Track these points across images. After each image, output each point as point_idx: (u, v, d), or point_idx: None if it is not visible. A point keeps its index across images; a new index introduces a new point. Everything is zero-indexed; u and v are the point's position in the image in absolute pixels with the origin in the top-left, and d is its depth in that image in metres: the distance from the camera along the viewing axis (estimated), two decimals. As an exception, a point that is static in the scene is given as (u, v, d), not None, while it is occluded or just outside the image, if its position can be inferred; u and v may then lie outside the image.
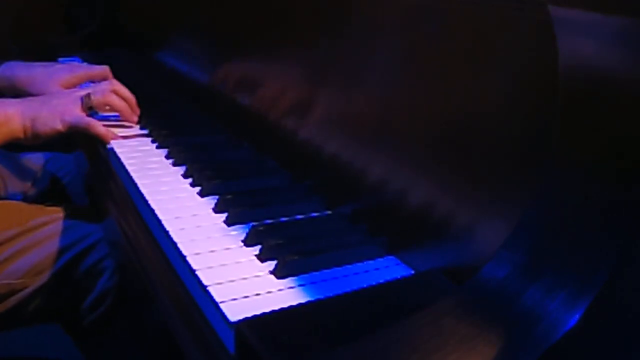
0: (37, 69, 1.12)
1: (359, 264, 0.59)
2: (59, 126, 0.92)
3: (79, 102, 0.95)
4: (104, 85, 0.99)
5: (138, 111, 1.01)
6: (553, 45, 0.48)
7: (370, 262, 0.60)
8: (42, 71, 1.12)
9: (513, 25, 0.53)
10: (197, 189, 0.75)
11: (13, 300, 0.89)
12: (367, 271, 0.58)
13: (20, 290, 0.89)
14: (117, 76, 1.25)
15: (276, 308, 0.49)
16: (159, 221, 0.66)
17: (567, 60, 0.48)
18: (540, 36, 0.50)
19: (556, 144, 0.48)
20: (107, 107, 0.98)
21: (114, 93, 0.98)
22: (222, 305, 0.51)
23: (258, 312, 0.47)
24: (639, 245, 0.42)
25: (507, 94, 0.54)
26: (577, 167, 0.46)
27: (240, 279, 0.55)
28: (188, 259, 0.58)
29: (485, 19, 0.56)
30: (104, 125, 0.95)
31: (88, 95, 0.95)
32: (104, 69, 1.17)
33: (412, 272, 0.59)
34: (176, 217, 0.67)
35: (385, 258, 0.61)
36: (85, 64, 1.26)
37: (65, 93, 1.00)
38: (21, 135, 0.93)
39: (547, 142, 0.48)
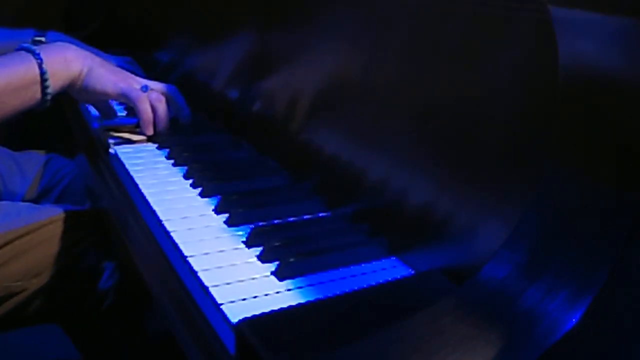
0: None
1: (360, 265, 0.59)
2: (110, 89, 0.91)
3: (139, 85, 0.93)
4: (165, 88, 0.97)
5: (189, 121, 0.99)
6: (553, 45, 0.48)
7: (371, 262, 0.60)
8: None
9: (513, 25, 0.53)
10: (198, 189, 0.75)
11: (12, 302, 0.88)
12: (367, 272, 0.58)
13: (19, 292, 0.88)
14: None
15: (276, 309, 0.49)
16: (160, 222, 0.66)
17: (567, 60, 0.48)
18: (540, 36, 0.50)
19: (556, 143, 0.48)
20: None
21: (168, 100, 0.96)
22: (223, 306, 0.51)
23: (258, 313, 0.48)
24: (639, 246, 0.42)
25: (507, 94, 0.54)
26: (576, 166, 0.47)
27: (241, 280, 0.55)
28: (189, 259, 0.58)
29: (486, 18, 0.56)
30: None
31: (147, 87, 0.94)
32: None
33: (413, 272, 0.59)
34: (177, 218, 0.67)
35: (386, 259, 0.61)
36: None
37: (127, 72, 0.99)
38: (75, 81, 0.90)
39: (547, 141, 0.48)
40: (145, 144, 0.93)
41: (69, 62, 0.89)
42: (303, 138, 0.80)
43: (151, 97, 0.93)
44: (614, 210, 0.43)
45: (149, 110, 0.92)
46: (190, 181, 0.78)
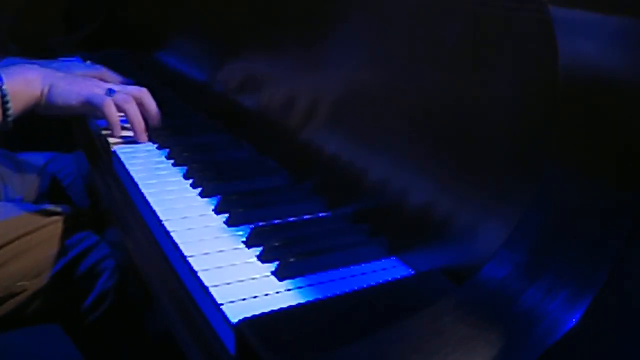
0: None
1: (360, 265, 0.59)
2: (73, 101, 0.90)
3: (102, 90, 0.92)
4: (132, 90, 0.95)
5: (159, 125, 0.96)
6: (553, 45, 0.48)
7: (371, 262, 0.60)
8: None
9: (513, 25, 0.53)
10: (198, 189, 0.75)
11: (12, 303, 0.88)
12: (367, 272, 0.58)
13: (19, 293, 0.88)
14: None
15: (276, 309, 0.49)
16: (160, 222, 0.66)
17: (567, 60, 0.48)
18: (540, 36, 0.50)
19: (556, 143, 0.48)
20: (121, 114, 0.94)
21: (139, 102, 0.94)
22: (223, 306, 0.51)
23: (258, 313, 0.47)
24: (639, 246, 0.42)
25: (507, 94, 0.54)
26: (577, 166, 0.47)
27: (241, 280, 0.55)
28: (189, 259, 0.58)
29: (486, 18, 0.56)
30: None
31: (113, 91, 0.93)
32: (100, 72, 1.16)
33: (413, 272, 0.59)
34: (177, 218, 0.67)
35: (386, 259, 0.61)
36: (86, 63, 1.22)
37: (92, 79, 0.98)
38: (39, 100, 0.90)
39: (547, 141, 0.48)
40: (145, 145, 0.93)
41: (29, 82, 0.89)
42: (303, 138, 0.80)
43: (117, 99, 0.91)
44: (614, 210, 0.43)
45: (115, 114, 0.91)
46: (190, 181, 0.78)
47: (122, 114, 0.93)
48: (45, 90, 0.90)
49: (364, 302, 0.50)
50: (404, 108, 0.65)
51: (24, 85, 0.89)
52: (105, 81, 1.10)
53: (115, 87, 0.94)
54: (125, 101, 0.92)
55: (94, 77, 1.13)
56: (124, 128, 0.94)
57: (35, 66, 0.93)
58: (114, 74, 1.17)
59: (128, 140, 0.93)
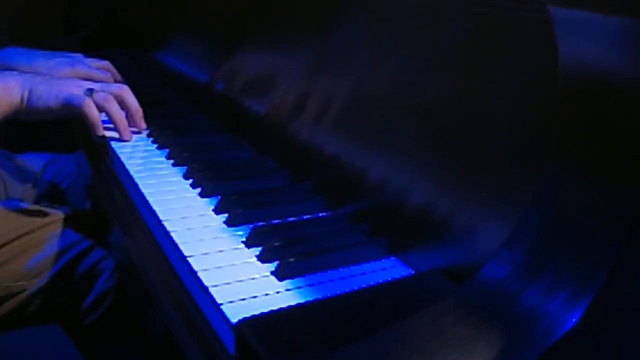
0: (39, 59, 1.12)
1: (360, 265, 0.59)
2: (52, 103, 0.89)
3: (82, 90, 0.91)
4: (112, 88, 0.95)
5: (143, 125, 0.96)
6: (553, 45, 0.48)
7: (371, 262, 0.60)
8: (44, 63, 1.11)
9: (513, 25, 0.53)
10: (198, 189, 0.75)
11: (11, 303, 0.88)
12: (367, 272, 0.58)
13: (19, 293, 0.88)
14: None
15: (276, 309, 0.49)
16: (160, 222, 0.66)
17: (567, 60, 0.48)
18: (540, 36, 0.50)
19: (556, 143, 0.48)
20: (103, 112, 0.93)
21: (120, 100, 0.93)
22: (222, 306, 0.51)
23: (258, 313, 0.47)
24: (639, 246, 0.42)
25: (507, 94, 0.54)
26: (577, 166, 0.47)
27: (241, 280, 0.55)
28: (189, 259, 0.58)
29: (486, 18, 0.56)
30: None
31: (92, 90, 0.92)
32: (106, 75, 1.15)
33: (413, 272, 0.59)
34: (177, 218, 0.67)
35: (386, 259, 0.61)
36: (88, 59, 1.21)
37: (72, 79, 0.97)
38: (19, 106, 0.90)
39: (547, 141, 0.48)
40: (145, 145, 0.93)
41: (9, 89, 0.89)
42: (303, 138, 0.80)
43: (97, 98, 0.91)
44: (613, 210, 0.43)
45: (95, 113, 0.90)
46: (190, 181, 0.78)
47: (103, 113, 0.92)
48: (25, 96, 0.90)
49: (364, 302, 0.50)
50: (403, 108, 0.65)
51: (3, 92, 0.88)
52: (98, 80, 1.10)
53: (96, 86, 0.93)
54: (105, 100, 0.91)
55: (89, 75, 1.12)
56: (107, 128, 0.93)
57: (15, 72, 0.93)
58: (115, 71, 1.16)
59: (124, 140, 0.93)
